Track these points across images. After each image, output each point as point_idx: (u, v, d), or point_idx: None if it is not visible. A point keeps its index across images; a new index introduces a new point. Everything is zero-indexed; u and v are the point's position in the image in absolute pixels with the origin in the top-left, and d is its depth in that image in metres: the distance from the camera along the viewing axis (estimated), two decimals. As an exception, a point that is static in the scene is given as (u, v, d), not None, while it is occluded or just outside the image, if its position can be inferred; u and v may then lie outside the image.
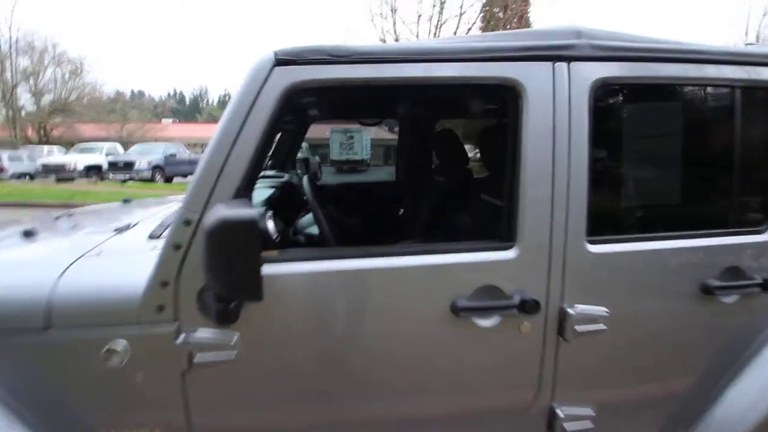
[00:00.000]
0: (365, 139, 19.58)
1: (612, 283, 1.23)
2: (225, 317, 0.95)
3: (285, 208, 1.57)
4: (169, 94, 66.58)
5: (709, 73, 1.22)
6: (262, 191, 1.66)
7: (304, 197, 1.34)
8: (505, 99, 1.17)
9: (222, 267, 0.86)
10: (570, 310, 1.19)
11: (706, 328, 1.33)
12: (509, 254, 1.16)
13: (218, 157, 1.03)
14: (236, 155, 1.03)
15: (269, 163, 2.53)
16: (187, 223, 1.01)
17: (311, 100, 1.51)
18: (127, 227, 1.45)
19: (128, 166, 15.04)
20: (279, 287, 1.08)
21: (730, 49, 1.27)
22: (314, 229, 1.42)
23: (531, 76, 1.14)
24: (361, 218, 2.76)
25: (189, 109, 60.22)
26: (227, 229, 0.83)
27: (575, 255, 1.19)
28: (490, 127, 1.56)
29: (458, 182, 2.28)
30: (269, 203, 1.46)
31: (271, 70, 1.04)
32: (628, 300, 1.24)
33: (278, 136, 2.59)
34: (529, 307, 1.14)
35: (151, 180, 14.71)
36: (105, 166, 15.74)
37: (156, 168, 15.16)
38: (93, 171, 15.51)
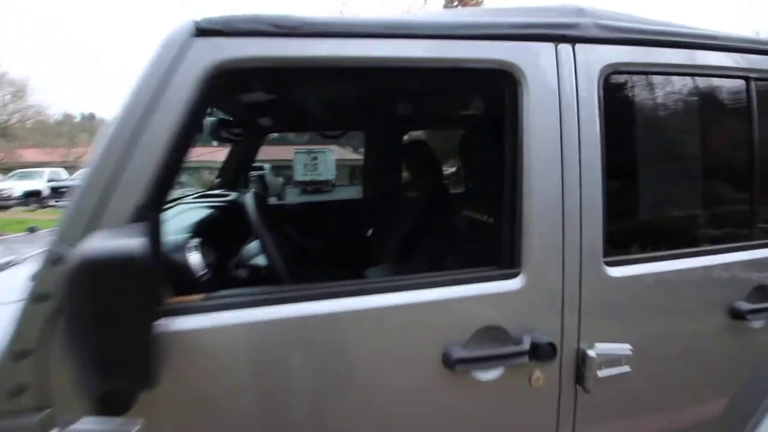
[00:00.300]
0: (330, 160, 19.33)
1: (635, 314, 1.00)
2: (108, 405, 0.62)
3: (227, 235, 1.24)
4: (123, 117, 63.66)
5: (743, 64, 1.04)
6: (195, 213, 1.33)
7: (250, 219, 1.03)
8: (499, 88, 0.94)
9: (85, 333, 0.54)
10: (590, 352, 0.94)
11: (738, 359, 1.13)
12: (514, 284, 0.90)
13: (108, 163, 0.72)
14: (136, 160, 0.72)
15: (218, 181, 2.19)
16: (56, 261, 0.68)
17: (252, 91, 1.21)
18: (6, 266, 1.07)
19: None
20: (205, 347, 0.76)
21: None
22: (262, 260, 1.10)
23: (531, 60, 0.91)
24: (325, 241, 2.45)
25: (145, 132, 57.48)
26: (94, 271, 0.52)
27: (592, 281, 0.95)
28: (476, 127, 1.32)
29: (434, 197, 2.04)
30: (201, 228, 1.13)
31: (188, 42, 0.75)
32: (653, 333, 1.02)
33: (230, 148, 2.26)
34: (543, 352, 0.88)
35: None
36: (46, 192, 14.56)
37: (105, 193, 14.17)
38: (32, 197, 14.30)
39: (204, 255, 0.86)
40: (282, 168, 19.81)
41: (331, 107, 1.68)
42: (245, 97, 1.29)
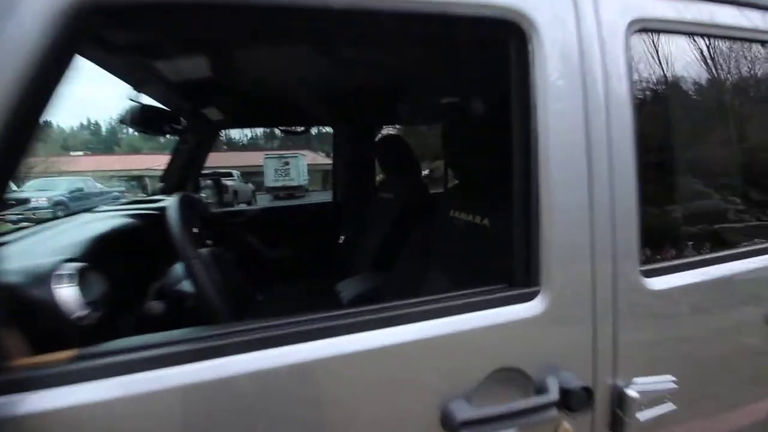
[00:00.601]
0: (302, 165, 18.94)
1: (679, 334, 0.79)
2: None
3: (145, 255, 0.94)
4: (82, 125, 61.04)
5: None
6: (96, 226, 0.99)
7: (169, 231, 0.75)
8: (502, 47, 0.70)
9: None
10: (630, 391, 0.72)
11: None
12: (532, 307, 0.67)
13: None
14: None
15: (160, 186, 1.87)
16: None
17: (163, 53, 0.92)
18: None
19: (23, 203, 12.96)
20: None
21: None
22: (189, 287, 0.81)
23: (544, 7, 0.68)
24: (291, 250, 2.17)
25: (106, 141, 54.96)
26: None
27: (628, 296, 0.73)
28: (467, 103, 1.08)
29: (413, 198, 1.81)
30: (98, 247, 0.81)
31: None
32: (699, 356, 0.82)
33: (175, 146, 1.94)
34: (576, 400, 0.65)
35: (55, 218, 12.72)
36: (-11, 206, 13.45)
37: (58, 204, 13.21)
38: (-26, 212, 13.18)
39: (90, 285, 0.58)
40: (253, 174, 19.26)
41: (284, 80, 1.38)
42: (160, 66, 0.99)
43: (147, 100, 1.38)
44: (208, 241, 1.23)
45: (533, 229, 0.67)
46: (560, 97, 0.68)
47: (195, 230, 1.22)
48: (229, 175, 14.92)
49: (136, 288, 0.84)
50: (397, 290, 1.38)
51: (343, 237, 2.18)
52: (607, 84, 0.71)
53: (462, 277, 1.11)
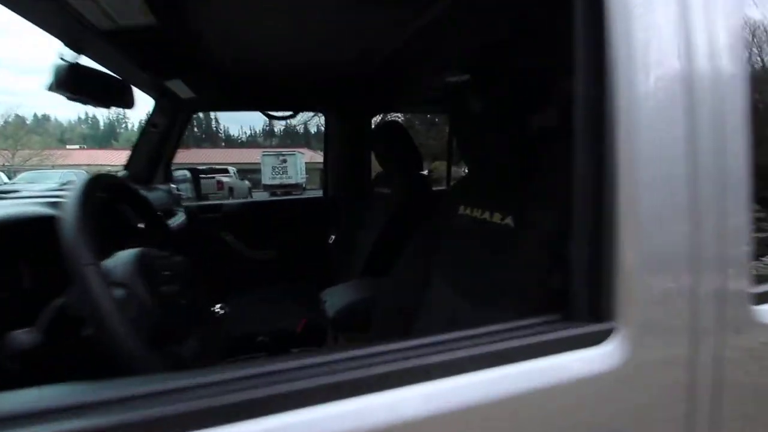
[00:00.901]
0: (300, 162, 18.72)
1: None
2: None
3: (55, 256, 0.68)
4: (80, 118, 60.71)
5: None
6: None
7: (60, 228, 0.51)
8: None
9: None
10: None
11: None
12: (606, 354, 0.43)
13: None
14: None
15: (124, 175, 1.62)
16: None
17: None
18: None
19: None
20: None
21: None
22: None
23: None
24: (274, 251, 1.93)
25: (103, 135, 54.53)
26: None
27: (735, 335, 0.49)
28: (493, 63, 0.83)
29: (413, 192, 1.58)
30: None
31: None
32: None
33: (143, 129, 1.68)
34: None
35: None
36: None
37: (50, 198, 12.97)
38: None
39: None
40: (250, 171, 19.06)
41: (262, 41, 1.10)
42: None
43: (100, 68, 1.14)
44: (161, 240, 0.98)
45: (606, 240, 0.43)
46: (650, 45, 0.44)
47: (140, 226, 0.97)
48: (225, 171, 14.71)
49: (23, 307, 0.59)
50: (393, 303, 1.14)
51: (333, 236, 1.94)
52: (712, 28, 0.47)
53: (473, 288, 0.87)
